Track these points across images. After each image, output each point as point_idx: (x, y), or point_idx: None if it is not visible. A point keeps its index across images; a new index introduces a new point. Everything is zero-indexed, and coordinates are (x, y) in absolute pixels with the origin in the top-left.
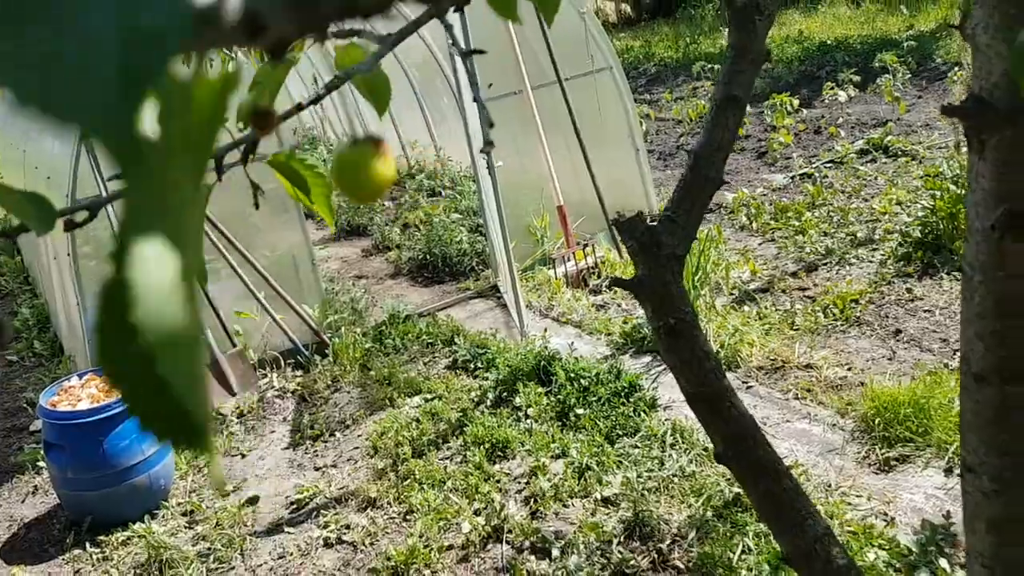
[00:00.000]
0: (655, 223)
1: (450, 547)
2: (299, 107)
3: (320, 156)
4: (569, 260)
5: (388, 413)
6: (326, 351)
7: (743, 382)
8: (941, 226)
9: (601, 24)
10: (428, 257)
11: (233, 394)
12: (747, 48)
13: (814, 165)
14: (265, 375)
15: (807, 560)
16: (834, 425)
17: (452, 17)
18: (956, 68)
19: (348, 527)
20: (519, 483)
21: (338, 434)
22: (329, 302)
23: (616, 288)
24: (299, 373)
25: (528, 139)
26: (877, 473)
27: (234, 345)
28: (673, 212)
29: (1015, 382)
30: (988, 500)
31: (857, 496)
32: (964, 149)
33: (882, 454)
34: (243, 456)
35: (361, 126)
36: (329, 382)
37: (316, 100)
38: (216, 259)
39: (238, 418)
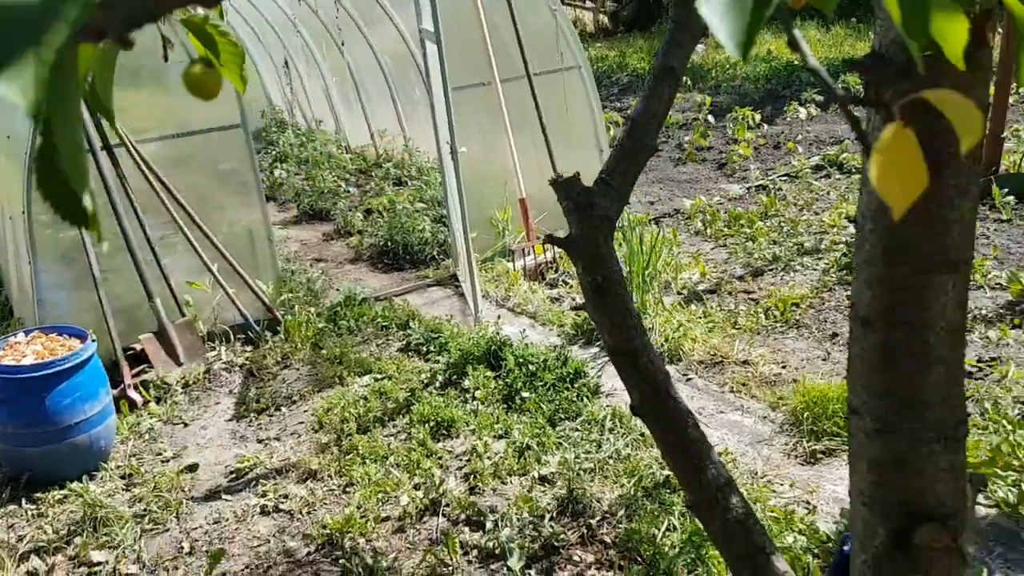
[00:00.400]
0: (591, 187)
1: (387, 518)
2: None
3: (288, 140)
4: (529, 254)
5: (336, 391)
6: (278, 328)
7: (683, 374)
8: None
9: (580, 32)
10: (389, 244)
11: (179, 363)
12: (687, 23)
13: (770, 178)
14: (214, 348)
15: (709, 507)
16: (765, 418)
17: (423, 1)
18: None
19: (286, 497)
20: (460, 460)
21: (284, 409)
22: (284, 281)
23: (575, 282)
24: (249, 348)
25: (494, 131)
26: (803, 464)
27: (183, 315)
28: (608, 176)
29: (898, 327)
30: (870, 440)
31: (781, 484)
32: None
33: (809, 447)
34: (185, 425)
35: (332, 113)
36: (279, 358)
37: None
38: (174, 232)
39: (183, 388)
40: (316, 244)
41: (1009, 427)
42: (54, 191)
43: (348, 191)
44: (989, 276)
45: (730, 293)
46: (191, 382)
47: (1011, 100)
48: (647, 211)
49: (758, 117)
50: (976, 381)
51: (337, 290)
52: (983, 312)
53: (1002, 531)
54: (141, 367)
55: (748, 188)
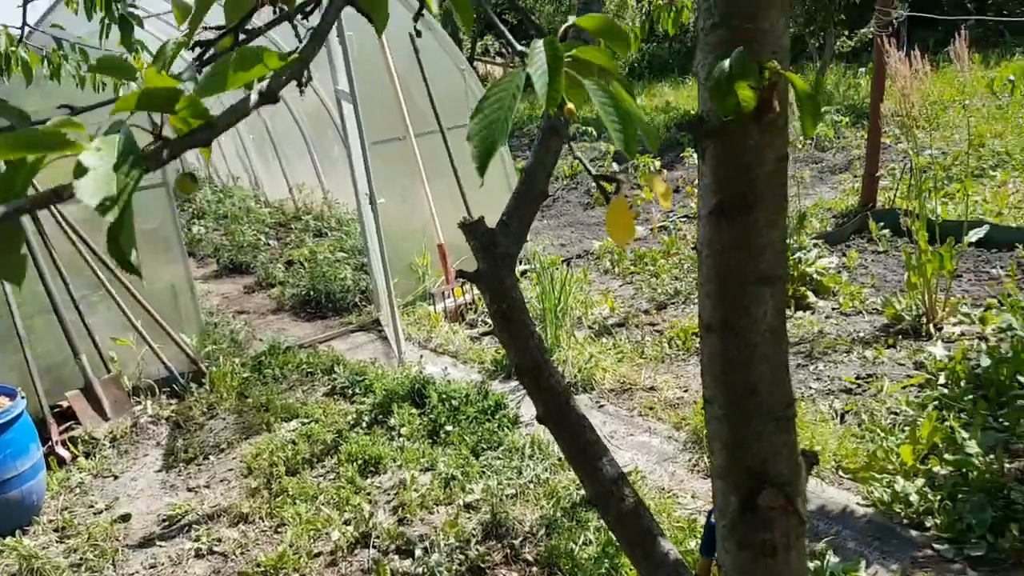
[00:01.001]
0: (494, 228)
1: (319, 554)
2: None
3: (205, 196)
4: (448, 296)
5: (264, 437)
6: (203, 379)
7: (596, 402)
8: None
9: (491, 86)
10: (312, 293)
11: (106, 418)
12: None
13: (671, 219)
14: (140, 402)
15: (605, 499)
16: (670, 438)
17: (338, 64)
18: (800, 138)
19: (220, 540)
20: (389, 494)
21: (212, 457)
22: (208, 333)
23: (487, 330)
24: (174, 401)
25: (412, 182)
26: (705, 478)
27: (109, 371)
28: (508, 219)
29: (732, 331)
30: (720, 424)
31: (685, 497)
32: (798, 203)
33: (709, 462)
34: (115, 477)
35: (249, 169)
36: (205, 409)
37: None
38: (99, 291)
39: (111, 442)
40: (238, 297)
41: (883, 435)
42: (118, 254)
43: (268, 244)
44: (867, 302)
45: (637, 326)
46: (119, 436)
47: (885, 141)
48: (559, 252)
49: (659, 163)
50: (855, 396)
51: (261, 340)
52: (861, 335)
53: (878, 527)
54: (68, 423)
55: (651, 229)
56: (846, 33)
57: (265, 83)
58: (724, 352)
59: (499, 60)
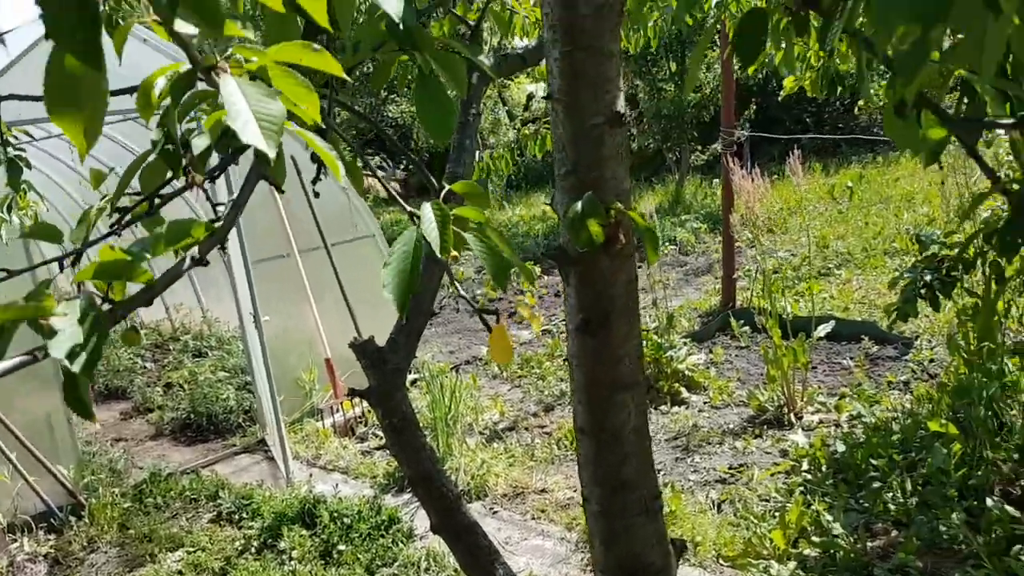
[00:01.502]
0: (382, 346)
1: None
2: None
3: None
4: (337, 411)
5: (148, 568)
6: (82, 512)
7: (489, 508)
8: (650, 370)
9: (374, 199)
10: (193, 416)
11: None
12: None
13: (554, 323)
14: (15, 539)
15: None
16: (563, 539)
17: (219, 185)
18: (667, 243)
19: None
20: None
21: None
22: (86, 463)
23: (379, 439)
24: (52, 536)
25: (297, 298)
26: None
27: None
28: (396, 336)
29: (602, 432)
30: (596, 520)
31: None
32: (665, 304)
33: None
34: None
35: None
36: (85, 543)
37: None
38: None
39: None
40: (115, 424)
41: (756, 522)
42: (76, 404)
43: (145, 367)
44: (734, 395)
45: (527, 428)
46: None
47: (741, 245)
48: (448, 360)
49: (539, 270)
50: (729, 485)
51: (141, 468)
52: (731, 426)
53: None
54: None
55: (536, 333)
56: (699, 148)
57: (195, 249)
58: (597, 452)
59: (380, 173)
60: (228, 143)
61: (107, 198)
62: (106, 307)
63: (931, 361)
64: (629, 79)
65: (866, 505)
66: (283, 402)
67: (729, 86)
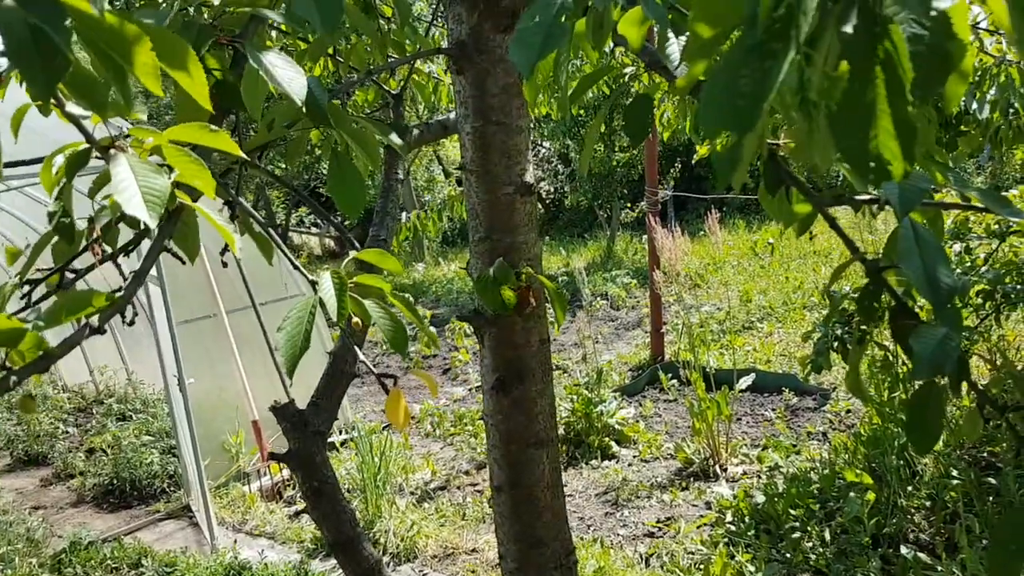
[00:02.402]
0: (303, 408)
1: None
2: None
3: None
4: (265, 474)
5: None
6: None
7: (419, 571)
8: (580, 425)
9: (308, 256)
10: (115, 482)
11: None
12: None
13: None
14: None
15: None
16: None
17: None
18: (599, 298)
19: None
20: None
21: None
22: (2, 533)
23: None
24: None
25: (223, 358)
26: None
27: None
28: (318, 399)
29: (517, 489)
30: None
31: None
32: (596, 359)
33: None
34: None
35: None
36: None
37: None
38: None
39: None
40: (33, 491)
41: (683, 574)
42: None
43: (67, 431)
44: (663, 448)
45: (459, 487)
46: None
47: (669, 300)
48: (380, 419)
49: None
50: (657, 539)
51: (60, 537)
52: (659, 479)
53: None
54: None
55: (470, 389)
56: (629, 205)
57: (95, 318)
58: (513, 509)
59: (314, 231)
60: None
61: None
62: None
63: (848, 412)
64: (561, 139)
65: (787, 555)
66: (208, 466)
67: (652, 149)
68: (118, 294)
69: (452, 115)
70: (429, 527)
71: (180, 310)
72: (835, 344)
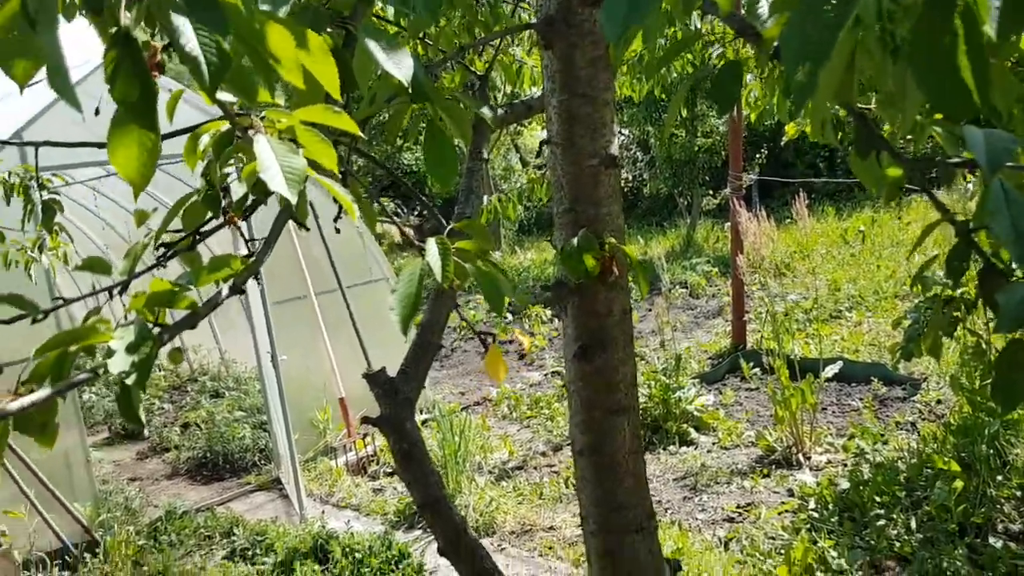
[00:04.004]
0: (394, 376)
1: None
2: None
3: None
4: (350, 450)
5: None
6: (96, 550)
7: (497, 545)
8: (657, 411)
9: (388, 244)
10: (208, 455)
11: None
12: None
13: (563, 364)
14: None
15: None
16: (570, 575)
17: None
18: (677, 287)
19: None
20: None
21: None
22: (102, 501)
23: (392, 475)
24: (67, 573)
25: (313, 338)
26: None
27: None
28: (407, 368)
29: (599, 454)
30: (594, 538)
31: None
32: (674, 346)
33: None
34: None
35: None
36: None
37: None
38: None
39: None
40: (130, 463)
41: (762, 559)
42: (128, 412)
43: (163, 408)
44: (743, 436)
45: (535, 468)
46: None
47: (752, 288)
48: (459, 400)
49: (549, 312)
50: (737, 524)
51: (156, 506)
52: (739, 466)
53: None
54: None
55: (546, 374)
56: (710, 193)
57: (232, 280)
58: (595, 473)
59: (396, 219)
60: (259, 189)
61: (151, 235)
62: (156, 331)
63: (938, 402)
64: (640, 125)
65: (871, 542)
66: (297, 441)
67: (736, 132)
68: (251, 259)
69: (536, 94)
70: (507, 504)
71: (273, 291)
72: (926, 331)
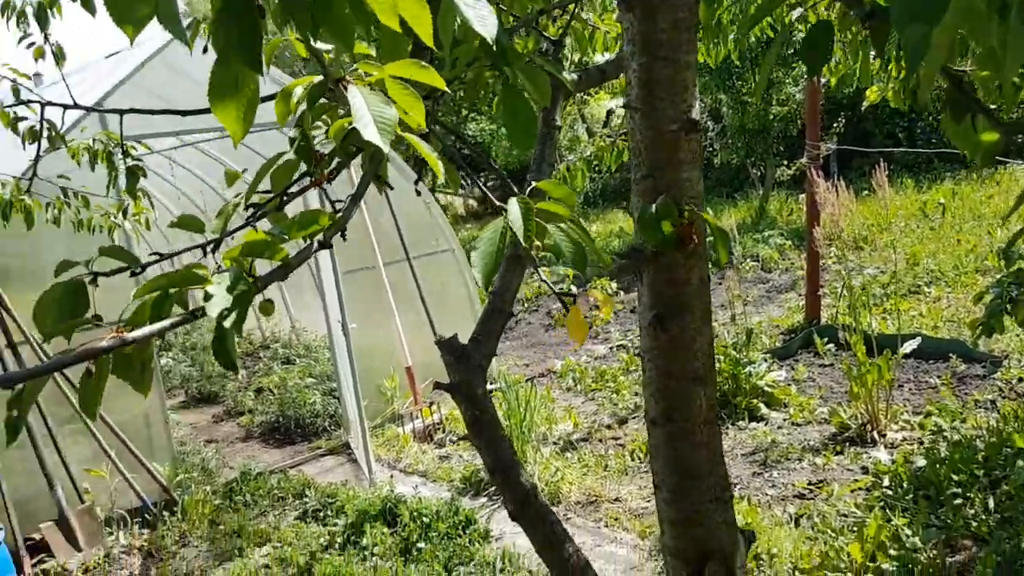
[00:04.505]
0: (466, 344)
1: None
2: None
3: None
4: (417, 417)
5: (237, 563)
6: (175, 508)
7: (563, 515)
8: (727, 386)
9: (452, 216)
10: (281, 420)
11: (79, 550)
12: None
13: (628, 338)
14: (112, 532)
15: None
16: (636, 547)
17: (312, 200)
18: (749, 260)
19: None
20: None
21: None
22: (180, 462)
23: (461, 441)
24: (146, 530)
25: (381, 308)
26: None
27: (82, 502)
28: (479, 335)
29: (674, 423)
30: (668, 505)
31: None
32: (745, 320)
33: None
34: None
35: None
36: (177, 537)
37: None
38: (72, 418)
39: (83, 574)
40: (207, 426)
41: (834, 536)
42: (224, 356)
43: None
44: (816, 412)
45: (600, 440)
46: (91, 567)
47: (828, 262)
48: (523, 372)
49: (615, 285)
50: (808, 500)
51: (231, 468)
52: (811, 443)
53: None
54: (41, 556)
55: (611, 348)
56: (785, 163)
57: (321, 235)
58: (669, 442)
59: (461, 191)
60: (347, 145)
61: (240, 195)
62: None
63: (1020, 380)
64: (713, 93)
65: (947, 521)
66: (366, 407)
67: (814, 99)
68: (338, 215)
69: (610, 59)
70: (572, 475)
71: (343, 261)
72: (1009, 306)
